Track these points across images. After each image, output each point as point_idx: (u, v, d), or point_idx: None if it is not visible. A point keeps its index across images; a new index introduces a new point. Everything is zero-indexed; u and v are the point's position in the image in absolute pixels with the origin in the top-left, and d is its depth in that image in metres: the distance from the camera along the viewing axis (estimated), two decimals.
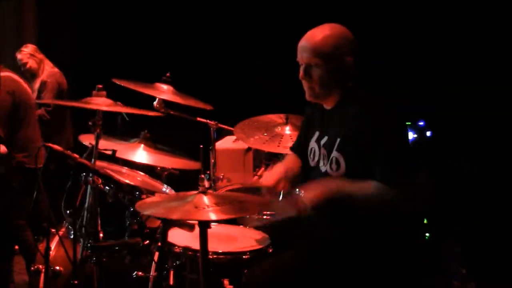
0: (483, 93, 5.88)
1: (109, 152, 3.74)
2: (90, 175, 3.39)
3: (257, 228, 3.53)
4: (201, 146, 3.31)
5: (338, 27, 3.28)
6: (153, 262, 3.32)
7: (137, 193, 3.41)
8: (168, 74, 4.31)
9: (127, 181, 3.82)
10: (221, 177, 4.49)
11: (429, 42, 6.39)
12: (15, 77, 5.24)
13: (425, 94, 6.24)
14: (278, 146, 4.41)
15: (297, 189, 4.10)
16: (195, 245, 2.97)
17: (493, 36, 5.92)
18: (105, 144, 3.89)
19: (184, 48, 7.55)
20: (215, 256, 3.19)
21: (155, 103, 4.30)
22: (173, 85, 4.31)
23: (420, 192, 3.37)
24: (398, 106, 3.31)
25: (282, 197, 4.21)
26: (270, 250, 3.31)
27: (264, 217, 3.82)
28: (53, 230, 3.79)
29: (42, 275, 3.62)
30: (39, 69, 6.67)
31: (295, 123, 4.52)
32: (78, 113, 5.37)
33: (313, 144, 3.44)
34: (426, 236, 5.55)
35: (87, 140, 3.82)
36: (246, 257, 3.24)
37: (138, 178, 4.11)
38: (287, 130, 4.54)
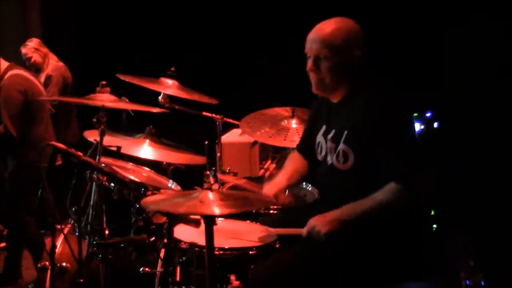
0: (483, 93, 5.86)
1: (114, 149, 3.72)
2: (95, 172, 3.37)
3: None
4: (206, 142, 3.29)
5: (348, 21, 3.27)
6: (160, 258, 3.30)
7: (142, 189, 3.39)
8: (172, 69, 4.30)
9: (132, 177, 3.80)
10: (227, 171, 4.46)
11: (429, 43, 6.37)
12: (27, 74, 5.23)
13: (424, 95, 6.22)
14: (284, 139, 4.39)
15: (304, 183, 4.10)
16: (201, 241, 2.95)
17: (493, 36, 5.89)
18: (110, 140, 3.87)
19: (189, 41, 7.54)
20: (221, 252, 3.18)
21: (160, 97, 4.29)
22: (178, 79, 4.29)
23: (430, 186, 3.35)
24: (406, 98, 3.30)
25: (289, 189, 4.21)
26: (277, 246, 3.29)
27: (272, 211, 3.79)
28: (59, 226, 3.80)
29: (49, 272, 3.61)
30: (43, 63, 6.64)
31: (302, 116, 4.50)
32: (83, 107, 5.36)
33: (320, 138, 3.43)
34: (434, 227, 5.53)
35: (92, 136, 3.80)
36: (253, 252, 3.23)
37: (144, 174, 4.09)
38: (294, 123, 4.52)
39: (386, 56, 6.15)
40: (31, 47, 6.64)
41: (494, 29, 5.85)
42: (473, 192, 5.64)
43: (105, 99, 3.58)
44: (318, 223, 3.13)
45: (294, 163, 3.70)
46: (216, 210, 2.76)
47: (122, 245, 3.40)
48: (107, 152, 3.78)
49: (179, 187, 3.97)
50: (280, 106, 4.68)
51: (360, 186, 3.17)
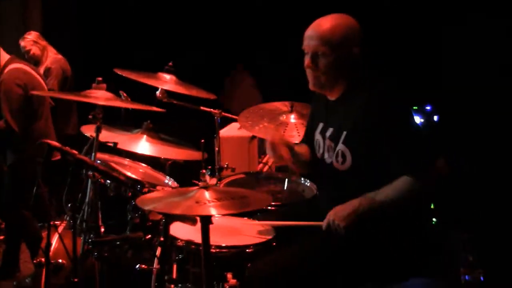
0: (482, 92, 5.84)
1: (111, 144, 3.70)
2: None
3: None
4: (203, 140, 3.26)
5: (346, 17, 3.23)
6: (156, 257, 3.28)
7: (139, 186, 3.37)
8: (170, 64, 4.27)
9: (128, 173, 3.79)
10: (226, 166, 4.44)
11: (430, 43, 6.35)
12: (27, 68, 5.19)
13: (424, 94, 6.21)
14: (283, 135, 4.34)
15: (302, 178, 4.09)
16: (198, 238, 2.91)
17: (493, 36, 5.86)
18: (107, 135, 3.85)
19: (187, 36, 7.53)
20: (218, 250, 3.17)
21: (157, 92, 4.26)
22: (176, 74, 4.27)
23: (440, 177, 3.32)
24: (405, 95, 3.27)
25: (288, 184, 4.19)
26: (274, 244, 3.27)
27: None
28: (57, 222, 3.79)
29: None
30: (42, 56, 6.63)
31: (301, 111, 4.47)
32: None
33: (317, 136, 3.40)
34: (433, 221, 5.51)
35: (89, 131, 3.78)
36: (250, 250, 3.21)
37: (140, 170, 4.07)
38: (292, 118, 4.47)
39: (386, 55, 6.16)
40: (30, 40, 6.62)
41: (494, 29, 5.82)
42: (472, 188, 5.63)
43: (100, 95, 3.54)
44: (337, 217, 3.09)
45: (302, 147, 3.64)
46: (213, 212, 2.73)
47: (118, 242, 3.38)
48: (104, 147, 3.76)
49: (176, 184, 3.95)
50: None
51: (358, 186, 3.14)
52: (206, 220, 2.80)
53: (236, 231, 3.40)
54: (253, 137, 5.02)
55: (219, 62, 7.33)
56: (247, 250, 3.21)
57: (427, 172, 3.05)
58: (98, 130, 3.55)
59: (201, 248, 2.87)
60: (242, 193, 2.97)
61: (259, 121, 4.47)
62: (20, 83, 4.98)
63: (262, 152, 5.35)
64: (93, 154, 3.50)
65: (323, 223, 3.14)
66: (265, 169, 5.24)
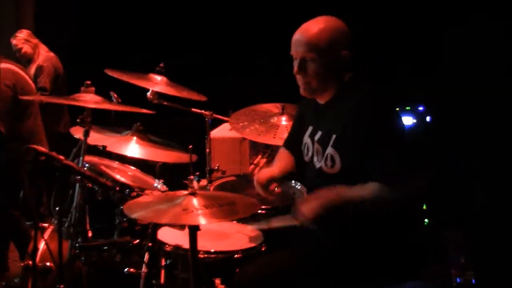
0: (483, 93, 5.83)
1: (100, 147, 3.68)
2: None
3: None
4: (190, 146, 3.24)
5: (333, 20, 3.19)
6: (144, 262, 3.26)
7: (127, 190, 3.35)
8: (162, 65, 4.26)
9: (118, 176, 3.76)
10: (216, 168, 4.42)
11: (429, 43, 6.33)
12: (16, 69, 5.14)
13: (422, 95, 6.20)
14: (274, 137, 4.32)
15: (293, 181, 4.06)
16: (186, 243, 2.89)
17: (493, 36, 5.85)
18: (97, 137, 3.83)
19: (179, 37, 7.51)
20: (206, 255, 3.15)
21: (148, 94, 4.25)
22: (167, 75, 4.25)
23: (422, 189, 3.31)
24: (395, 97, 3.25)
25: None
26: (263, 249, 3.26)
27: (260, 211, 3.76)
28: (45, 225, 3.77)
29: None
30: (34, 54, 6.62)
31: (292, 113, 4.43)
32: None
33: (306, 139, 3.38)
34: (426, 222, 5.51)
35: (78, 133, 3.75)
36: (238, 256, 3.20)
37: (129, 173, 4.04)
38: (283, 120, 4.44)
39: (385, 55, 6.15)
40: (21, 38, 6.61)
41: (493, 29, 5.82)
42: (464, 189, 5.63)
43: (89, 99, 3.52)
44: (305, 210, 3.06)
45: (284, 159, 3.63)
46: (200, 220, 2.71)
47: (106, 247, 3.36)
48: (93, 150, 3.73)
49: (165, 187, 3.92)
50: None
51: None
52: (194, 228, 2.79)
53: (225, 236, 3.38)
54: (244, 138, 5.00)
55: (213, 63, 7.31)
56: (236, 256, 3.19)
57: (404, 181, 3.02)
58: (86, 134, 3.53)
59: (189, 253, 2.86)
60: (230, 200, 2.94)
61: (250, 123, 4.45)
62: (9, 83, 4.94)
63: (254, 153, 5.33)
64: (81, 158, 3.47)
65: (297, 222, 3.13)
66: (257, 170, 5.22)
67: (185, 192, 2.88)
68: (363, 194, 3.04)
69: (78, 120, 3.55)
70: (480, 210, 5.42)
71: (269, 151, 5.50)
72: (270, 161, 5.41)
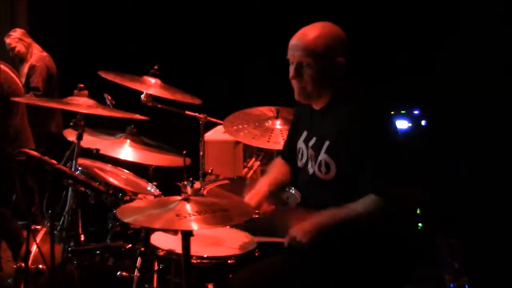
0: (478, 98, 5.84)
1: (93, 151, 3.65)
2: None
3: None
4: (185, 151, 3.22)
5: (330, 26, 3.19)
6: (136, 268, 3.24)
7: (120, 194, 3.33)
8: (156, 67, 4.24)
9: (111, 179, 3.74)
10: (210, 171, 4.40)
11: (427, 43, 6.34)
12: (4, 68, 5.14)
13: (422, 93, 6.20)
14: (268, 141, 4.30)
15: (287, 188, 4.05)
16: (179, 248, 2.87)
17: (489, 39, 5.86)
18: (90, 140, 3.80)
19: (173, 40, 7.51)
20: (199, 261, 3.13)
21: (142, 96, 4.23)
22: (161, 78, 4.23)
23: (413, 200, 3.31)
24: (390, 104, 3.24)
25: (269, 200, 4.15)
26: (257, 254, 3.24)
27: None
28: (37, 227, 3.74)
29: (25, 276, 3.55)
30: (27, 53, 6.60)
31: (286, 116, 4.42)
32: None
33: (301, 144, 3.37)
34: (419, 226, 5.51)
35: (71, 135, 3.72)
36: (232, 261, 3.17)
37: (123, 176, 4.01)
38: (278, 124, 4.43)
39: (385, 55, 6.15)
40: (15, 37, 6.59)
41: (488, 32, 5.83)
42: (460, 193, 5.63)
43: (82, 103, 3.49)
44: (299, 233, 3.08)
45: (276, 170, 3.63)
46: (193, 226, 2.69)
47: (98, 251, 3.34)
48: (86, 153, 3.71)
49: (158, 191, 3.90)
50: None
51: (342, 195, 3.11)
52: (187, 234, 2.77)
53: (218, 241, 3.36)
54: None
55: (207, 66, 7.30)
56: (229, 261, 3.17)
57: (396, 192, 3.04)
58: (79, 138, 3.50)
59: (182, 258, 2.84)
60: (223, 206, 2.93)
61: (244, 126, 4.43)
62: None
63: (247, 156, 5.32)
64: (73, 161, 3.44)
65: (285, 240, 3.13)
66: (250, 173, 5.21)
67: (179, 197, 2.86)
68: (358, 209, 3.05)
69: (71, 123, 3.53)
70: (474, 216, 5.42)
71: (263, 154, 5.49)
72: (263, 164, 5.40)
